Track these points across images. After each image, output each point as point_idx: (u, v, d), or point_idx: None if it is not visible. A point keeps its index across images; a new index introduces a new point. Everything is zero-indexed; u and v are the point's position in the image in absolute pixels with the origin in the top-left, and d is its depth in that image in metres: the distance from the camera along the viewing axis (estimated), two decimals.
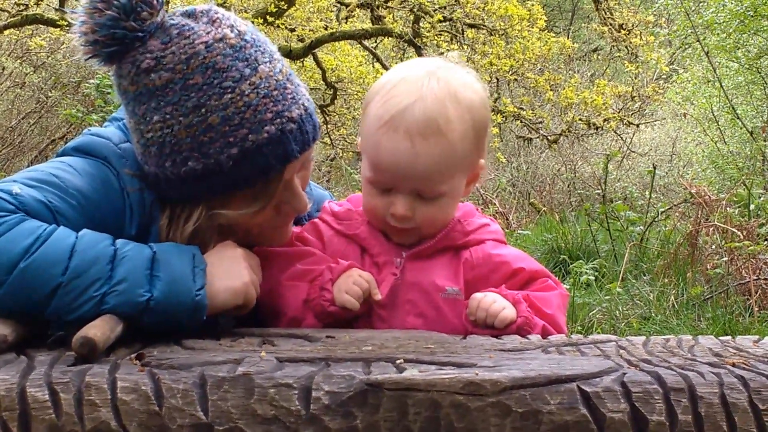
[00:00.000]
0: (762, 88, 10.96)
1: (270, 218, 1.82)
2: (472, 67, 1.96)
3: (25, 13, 10.85)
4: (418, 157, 1.78)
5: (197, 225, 1.76)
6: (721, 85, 9.92)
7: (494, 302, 1.81)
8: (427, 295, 1.88)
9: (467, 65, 1.97)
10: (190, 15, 1.74)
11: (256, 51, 1.73)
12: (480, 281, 1.92)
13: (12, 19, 10.75)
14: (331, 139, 12.41)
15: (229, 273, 1.69)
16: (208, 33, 1.70)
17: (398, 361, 1.38)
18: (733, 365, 1.41)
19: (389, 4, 11.26)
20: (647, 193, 8.97)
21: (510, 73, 11.25)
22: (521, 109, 12.26)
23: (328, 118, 12.15)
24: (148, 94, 1.69)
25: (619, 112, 13.11)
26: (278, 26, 10.46)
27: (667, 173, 12.89)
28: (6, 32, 10.93)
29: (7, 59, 11.64)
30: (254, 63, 1.71)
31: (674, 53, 14.94)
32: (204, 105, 1.67)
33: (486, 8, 10.77)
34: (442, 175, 1.83)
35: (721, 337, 1.67)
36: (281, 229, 1.90)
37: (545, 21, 11.44)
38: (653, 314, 5.57)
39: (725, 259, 5.99)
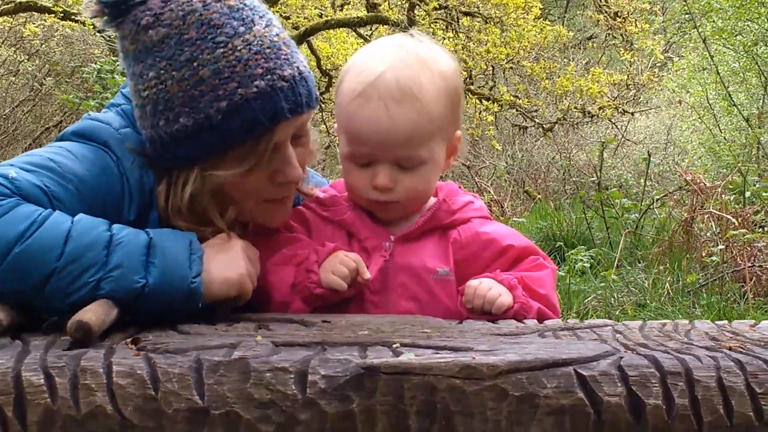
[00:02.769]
0: (758, 75, 10.96)
1: (263, 186, 1.79)
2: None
3: (18, 0, 10.79)
4: (394, 122, 1.78)
5: (194, 188, 1.74)
6: (718, 72, 9.91)
7: (490, 289, 1.80)
8: (419, 278, 1.87)
9: (434, 40, 1.98)
10: None
11: (254, 14, 1.74)
12: (469, 260, 1.91)
13: (5, 6, 10.69)
14: (326, 127, 12.36)
15: (226, 263, 1.67)
16: None
17: (394, 345, 1.38)
18: (730, 349, 1.41)
19: None
20: (642, 180, 8.99)
21: (506, 61, 11.22)
22: (516, 97, 12.23)
23: (323, 106, 12.07)
24: (146, 51, 1.71)
25: (614, 100, 13.10)
26: (273, 14, 10.41)
27: (662, 161, 12.90)
28: None
29: (0, 47, 11.59)
30: (250, 24, 1.72)
31: (669, 38, 14.92)
32: (196, 59, 1.67)
33: None
34: (419, 140, 1.82)
35: (717, 322, 1.67)
36: (278, 206, 1.87)
37: (540, 9, 11.41)
38: (648, 301, 5.59)
39: (721, 246, 6.00)
